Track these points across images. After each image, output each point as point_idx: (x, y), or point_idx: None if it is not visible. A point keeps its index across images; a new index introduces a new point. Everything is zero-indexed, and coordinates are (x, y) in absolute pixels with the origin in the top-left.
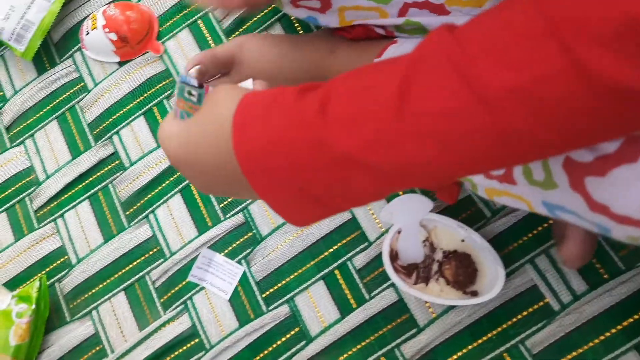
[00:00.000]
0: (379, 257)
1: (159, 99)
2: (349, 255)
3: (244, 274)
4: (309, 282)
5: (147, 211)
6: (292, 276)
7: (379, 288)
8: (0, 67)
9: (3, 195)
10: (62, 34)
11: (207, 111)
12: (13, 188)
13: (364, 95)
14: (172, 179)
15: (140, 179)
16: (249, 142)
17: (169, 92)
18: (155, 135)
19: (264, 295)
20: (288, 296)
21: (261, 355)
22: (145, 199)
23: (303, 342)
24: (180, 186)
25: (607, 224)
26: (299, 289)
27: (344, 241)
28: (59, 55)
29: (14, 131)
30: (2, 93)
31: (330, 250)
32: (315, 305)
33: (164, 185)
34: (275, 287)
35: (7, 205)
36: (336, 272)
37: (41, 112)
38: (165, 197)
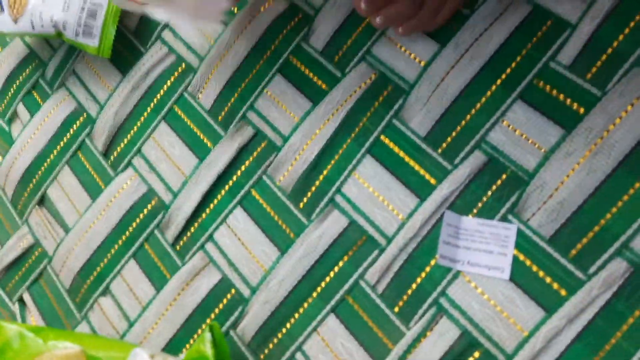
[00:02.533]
0: None
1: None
2: None
3: (520, 233)
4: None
5: (330, 193)
6: (609, 214)
7: None
8: (75, 84)
9: (124, 237)
10: (139, 17)
11: None
12: (134, 225)
13: None
14: (350, 138)
15: (302, 155)
16: None
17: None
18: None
19: (570, 256)
20: (618, 244)
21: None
22: (320, 178)
23: None
24: (368, 143)
25: None
26: (633, 227)
27: None
28: (142, 42)
29: (115, 154)
30: (85, 115)
31: None
32: None
33: (341, 151)
34: (586, 240)
35: (134, 248)
36: None
37: (142, 118)
38: (350, 167)
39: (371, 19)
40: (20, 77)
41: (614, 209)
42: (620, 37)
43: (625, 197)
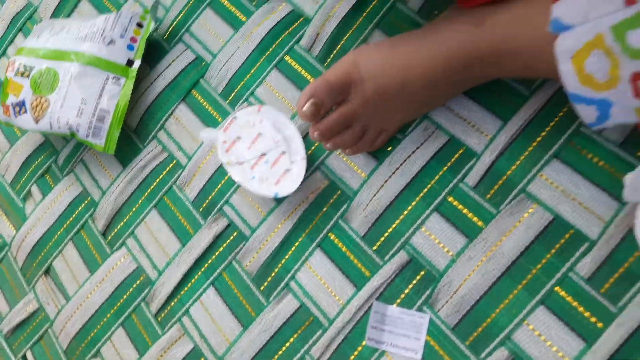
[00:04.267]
0: (611, 256)
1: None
2: (569, 263)
3: (432, 322)
4: (524, 312)
5: (286, 279)
6: (498, 309)
7: (627, 294)
8: (83, 172)
9: (115, 308)
10: (140, 117)
11: None
12: (124, 297)
13: None
14: (304, 234)
15: (267, 245)
16: None
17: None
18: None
19: (467, 343)
20: (502, 335)
21: None
22: (279, 266)
23: None
24: (318, 239)
25: None
26: (515, 322)
27: (556, 248)
28: (140, 140)
29: (112, 234)
30: (89, 199)
31: (541, 263)
32: (545, 339)
33: (297, 244)
34: (481, 329)
35: (123, 317)
36: (558, 289)
37: (136, 205)
38: (303, 258)
39: (322, 144)
40: (36, 162)
41: (502, 306)
42: (513, 167)
43: (510, 297)
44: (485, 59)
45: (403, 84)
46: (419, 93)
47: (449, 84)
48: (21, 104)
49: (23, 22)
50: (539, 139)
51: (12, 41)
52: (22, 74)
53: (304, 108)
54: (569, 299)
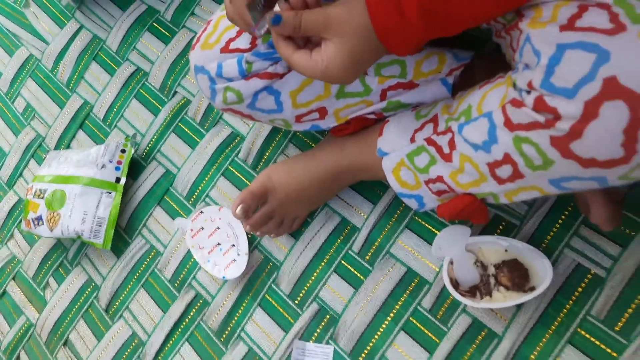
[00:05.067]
0: (442, 292)
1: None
2: (416, 301)
3: (335, 351)
4: (392, 336)
5: (238, 331)
6: (376, 337)
7: (452, 318)
8: (87, 263)
9: None
10: (127, 219)
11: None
12: (124, 357)
13: None
14: (249, 296)
15: (224, 307)
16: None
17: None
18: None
19: None
20: (378, 355)
21: None
22: (233, 321)
23: None
24: (258, 299)
25: (600, 173)
26: (386, 344)
27: (408, 291)
28: (129, 236)
29: (112, 309)
30: (93, 284)
31: (400, 302)
32: (405, 353)
33: (244, 304)
34: (366, 352)
35: None
36: (411, 319)
37: (129, 286)
38: (249, 314)
39: (254, 233)
40: (51, 259)
41: (378, 334)
42: (382, 235)
43: (383, 326)
44: (347, 172)
45: (302, 189)
46: (315, 193)
47: (332, 186)
48: (39, 219)
49: (34, 150)
50: (396, 216)
51: (26, 165)
52: (38, 196)
53: (237, 211)
54: (417, 324)
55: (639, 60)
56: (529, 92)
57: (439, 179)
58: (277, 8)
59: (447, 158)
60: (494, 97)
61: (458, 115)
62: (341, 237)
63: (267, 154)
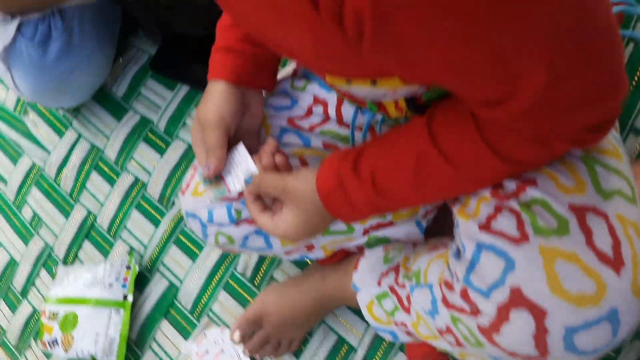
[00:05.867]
0: None
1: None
2: None
3: None
4: None
5: None
6: None
7: None
8: None
9: None
10: (137, 332)
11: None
12: None
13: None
14: None
15: None
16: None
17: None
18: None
19: None
20: None
21: None
22: None
23: None
24: None
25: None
26: None
27: None
28: (140, 349)
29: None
30: None
31: None
32: None
33: None
34: None
35: None
36: None
37: None
38: None
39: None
40: None
41: None
42: (377, 356)
43: None
44: (330, 300)
45: (294, 313)
46: (307, 317)
47: (321, 311)
48: (54, 341)
49: (45, 260)
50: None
51: (37, 274)
52: (51, 318)
53: (234, 337)
54: None
55: (538, 274)
56: (458, 280)
57: (404, 324)
58: (252, 166)
59: (407, 310)
60: (435, 270)
61: (411, 275)
62: (338, 358)
63: (263, 267)
